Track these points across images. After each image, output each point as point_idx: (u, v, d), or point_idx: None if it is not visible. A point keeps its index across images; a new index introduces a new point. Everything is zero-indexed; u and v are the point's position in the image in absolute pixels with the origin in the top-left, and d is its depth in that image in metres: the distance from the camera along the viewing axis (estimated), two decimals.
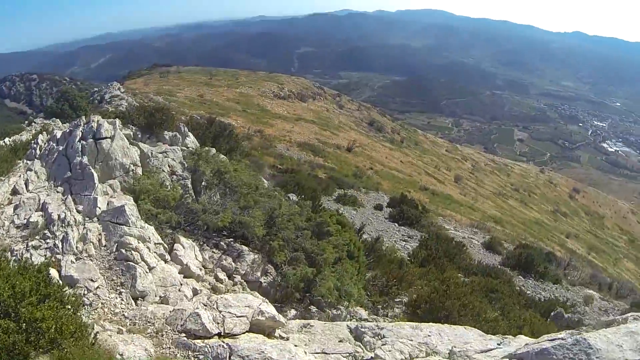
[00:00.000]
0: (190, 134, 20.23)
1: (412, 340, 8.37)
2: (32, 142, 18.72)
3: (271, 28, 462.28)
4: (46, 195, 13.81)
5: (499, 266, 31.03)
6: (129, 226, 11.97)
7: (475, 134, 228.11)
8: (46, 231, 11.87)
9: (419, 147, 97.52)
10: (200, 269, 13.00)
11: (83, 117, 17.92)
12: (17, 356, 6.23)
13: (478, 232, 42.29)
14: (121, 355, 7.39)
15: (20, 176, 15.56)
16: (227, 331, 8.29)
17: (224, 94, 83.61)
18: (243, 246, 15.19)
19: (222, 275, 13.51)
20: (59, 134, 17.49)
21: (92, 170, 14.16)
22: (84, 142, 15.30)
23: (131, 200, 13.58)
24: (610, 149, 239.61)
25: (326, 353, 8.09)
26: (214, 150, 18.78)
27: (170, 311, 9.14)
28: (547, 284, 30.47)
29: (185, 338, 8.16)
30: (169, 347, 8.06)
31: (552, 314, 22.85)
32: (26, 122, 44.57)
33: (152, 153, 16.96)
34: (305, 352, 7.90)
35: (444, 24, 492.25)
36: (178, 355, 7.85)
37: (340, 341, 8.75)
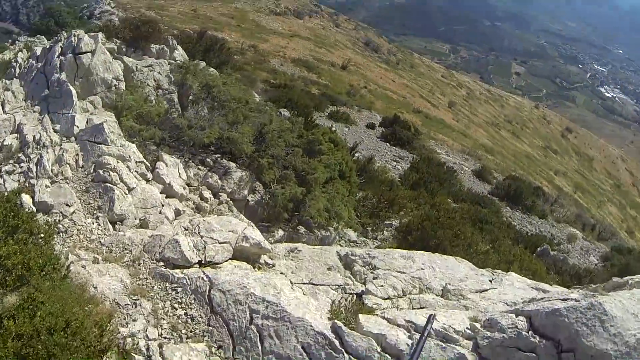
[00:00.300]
0: (179, 47, 19.26)
1: (404, 272, 7.87)
2: (12, 60, 17.63)
3: None
4: (22, 116, 13.02)
5: (488, 195, 31.02)
6: (108, 145, 11.35)
7: (472, 63, 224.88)
8: (20, 154, 11.27)
9: (415, 70, 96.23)
10: (184, 188, 12.44)
11: (64, 32, 16.92)
12: None
13: (469, 159, 42.28)
14: (95, 287, 6.94)
15: None
16: (208, 259, 7.78)
17: (218, 9, 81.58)
18: (231, 163, 14.49)
19: (207, 194, 12.94)
20: (39, 51, 16.50)
21: (71, 87, 13.35)
22: (62, 58, 14.44)
23: (112, 117, 12.93)
24: (607, 94, 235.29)
25: (314, 284, 7.57)
26: (203, 64, 17.96)
27: (149, 237, 8.60)
28: (533, 218, 30.62)
29: (163, 268, 7.65)
30: (146, 278, 7.57)
31: (538, 249, 22.69)
32: (9, 40, 43.29)
33: (136, 67, 16.04)
34: (292, 285, 7.37)
35: None
36: (155, 287, 7.37)
37: (328, 269, 8.23)
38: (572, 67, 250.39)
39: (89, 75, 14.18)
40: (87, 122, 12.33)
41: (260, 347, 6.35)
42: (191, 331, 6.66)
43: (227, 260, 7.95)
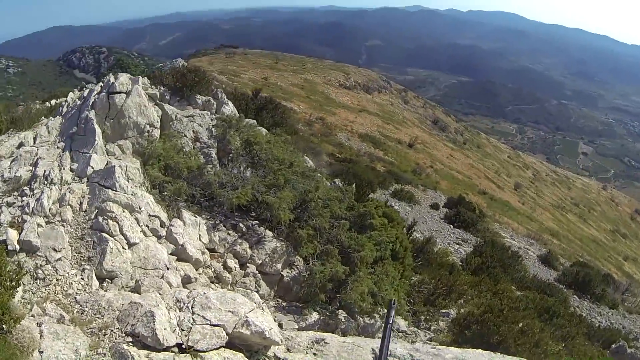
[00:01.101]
0: (229, 102, 17.98)
1: None
2: (63, 100, 16.92)
3: (341, 18, 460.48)
4: (45, 150, 11.82)
5: (555, 282, 28.53)
6: (116, 191, 9.82)
7: (539, 143, 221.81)
8: (26, 188, 10.07)
9: (481, 150, 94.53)
10: (203, 253, 10.68)
11: (112, 75, 15.99)
12: None
13: (534, 243, 40.23)
14: (41, 353, 5.60)
15: (33, 130, 13.72)
16: (190, 343, 5.95)
17: (288, 79, 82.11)
18: (267, 231, 12.62)
19: (232, 263, 11.16)
20: (86, 92, 15.40)
21: (95, 126, 12.14)
22: (97, 96, 13.34)
23: (137, 163, 11.54)
24: None
25: None
26: (251, 121, 16.56)
27: (128, 303, 6.87)
28: (603, 308, 27.84)
29: (125, 346, 5.85)
30: (104, 354, 5.93)
31: (613, 346, 19.99)
32: (78, 87, 43.89)
33: (176, 116, 14.77)
34: None
35: (515, 27, 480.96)
36: None
37: None
38: None
39: (121, 118, 12.94)
40: (106, 164, 11.01)
41: None
42: None
43: (216, 349, 6.09)
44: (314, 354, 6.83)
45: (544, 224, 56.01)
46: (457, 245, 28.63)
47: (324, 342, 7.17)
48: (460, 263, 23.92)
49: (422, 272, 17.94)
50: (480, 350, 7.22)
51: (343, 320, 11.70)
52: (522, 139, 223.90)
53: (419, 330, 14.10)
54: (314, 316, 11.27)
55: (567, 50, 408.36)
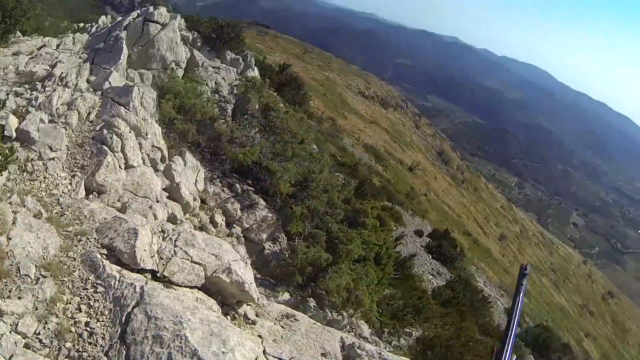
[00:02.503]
0: (255, 68, 17.76)
1: None
2: (94, 22, 16.60)
3: (378, 28, 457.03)
4: (67, 57, 11.59)
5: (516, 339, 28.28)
6: (128, 109, 9.54)
7: (534, 202, 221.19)
8: (39, 84, 9.78)
9: (477, 193, 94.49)
10: (195, 199, 10.45)
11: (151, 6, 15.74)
12: None
13: (504, 295, 40.22)
14: (9, 239, 5.32)
15: (58, 38, 13.47)
16: (166, 274, 5.64)
17: (311, 72, 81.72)
18: (261, 199, 12.37)
19: (219, 219, 10.92)
20: (120, 18, 15.32)
21: (124, 45, 11.94)
22: (132, 20, 13.13)
23: (154, 94, 11.27)
24: None
25: None
26: (273, 92, 16.33)
27: (111, 217, 6.56)
28: None
29: (98, 256, 5.54)
30: (74, 259, 5.60)
31: None
32: (109, 15, 43.63)
33: (203, 63, 14.59)
34: (264, 355, 5.06)
35: (542, 84, 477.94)
36: (76, 272, 5.38)
37: (323, 354, 5.97)
38: (631, 231, 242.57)
39: (150, 47, 12.74)
40: (124, 85, 10.68)
41: None
42: (78, 351, 4.55)
43: (191, 287, 5.78)
44: (282, 327, 6.53)
45: None
46: (432, 276, 28.50)
47: (295, 319, 6.89)
48: (431, 293, 23.82)
49: (397, 287, 17.70)
50: None
51: (312, 308, 11.39)
52: (519, 194, 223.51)
53: (380, 342, 13.81)
54: (285, 296, 10.99)
55: (587, 120, 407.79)
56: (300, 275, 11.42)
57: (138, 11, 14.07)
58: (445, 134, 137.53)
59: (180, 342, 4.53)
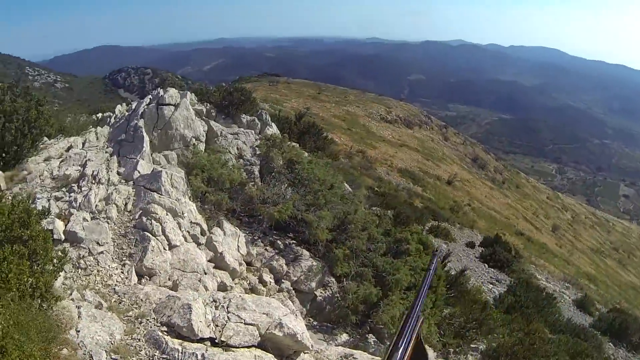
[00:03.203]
0: (272, 124, 18.26)
1: None
2: (111, 113, 17.62)
3: (383, 50, 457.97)
4: (94, 154, 12.33)
5: (589, 328, 27.47)
6: (161, 194, 10.14)
7: (579, 184, 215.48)
8: (75, 185, 10.49)
9: (520, 190, 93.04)
10: (241, 264, 10.87)
11: (160, 89, 16.50)
12: None
13: (570, 287, 38.96)
14: (77, 332, 5.84)
15: (82, 136, 14.22)
16: (223, 339, 6.08)
17: (330, 110, 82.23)
18: (304, 250, 12.79)
19: (267, 277, 11.30)
20: (135, 104, 16.10)
21: (144, 133, 12.64)
22: (146, 107, 13.92)
23: (182, 173, 11.84)
24: None
25: None
26: (294, 144, 16.80)
27: (166, 296, 7.08)
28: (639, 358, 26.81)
29: (160, 333, 6.02)
30: (139, 340, 6.13)
31: None
32: (124, 103, 44.80)
33: (221, 132, 15.15)
34: None
35: (556, 63, 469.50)
36: (143, 352, 5.89)
37: None
38: None
39: (168, 129, 13.40)
40: (152, 170, 11.38)
41: None
42: None
43: (248, 347, 6.18)
44: None
45: (581, 268, 54.74)
46: (491, 285, 28.10)
47: (353, 358, 7.21)
48: (493, 302, 23.59)
49: (455, 305, 17.77)
50: None
51: (372, 344, 11.67)
52: (562, 180, 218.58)
53: None
54: (344, 337, 11.31)
55: (610, 87, 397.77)
56: (354, 315, 11.75)
57: (150, 96, 14.84)
58: (474, 138, 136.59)
59: None
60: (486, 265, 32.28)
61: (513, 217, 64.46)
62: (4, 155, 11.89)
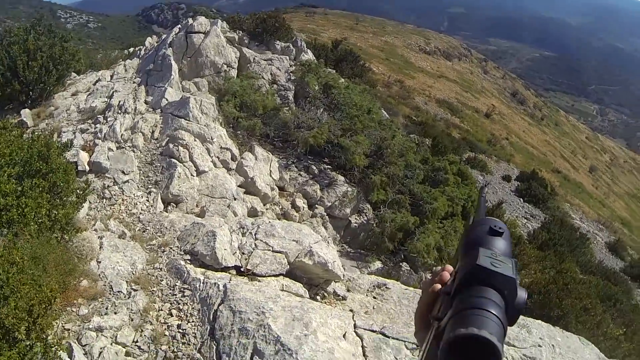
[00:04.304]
0: (308, 50, 17.77)
1: (515, 346, 5.62)
2: (141, 46, 17.41)
3: None
4: (121, 85, 12.15)
5: (620, 272, 27.23)
6: (189, 120, 9.84)
7: (620, 127, 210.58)
8: (100, 116, 10.36)
9: (559, 128, 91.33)
10: (272, 189, 10.65)
11: (190, 19, 16.16)
12: None
13: (604, 229, 38.42)
14: (98, 262, 5.78)
15: (110, 70, 14.21)
16: (249, 267, 5.80)
17: (368, 40, 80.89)
18: (339, 176, 12.51)
19: (300, 203, 11.08)
20: (164, 36, 15.84)
21: (172, 61, 12.34)
22: (174, 36, 13.62)
23: (213, 99, 11.55)
24: None
25: (386, 335, 5.28)
26: (331, 70, 16.41)
27: (190, 224, 6.82)
28: None
29: (182, 262, 5.80)
30: (160, 269, 5.97)
31: None
32: (154, 35, 44.57)
33: (254, 59, 14.74)
34: (355, 328, 5.14)
35: (607, 3, 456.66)
36: (164, 281, 5.74)
37: None
38: None
39: (198, 56, 13.06)
40: (180, 98, 11.05)
41: None
42: (174, 351, 4.86)
43: (275, 275, 5.94)
44: (374, 297, 6.61)
45: (616, 211, 53.84)
46: (525, 220, 27.94)
47: (386, 287, 6.96)
48: (527, 237, 23.32)
49: None
50: (540, 321, 6.89)
51: (405, 272, 11.47)
52: (603, 121, 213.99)
53: None
54: (377, 265, 11.09)
55: None
56: (391, 242, 11.52)
57: (179, 26, 14.66)
58: (515, 74, 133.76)
59: (264, 331, 4.74)
60: (521, 199, 32.17)
61: (550, 154, 63.50)
62: (30, 93, 11.98)
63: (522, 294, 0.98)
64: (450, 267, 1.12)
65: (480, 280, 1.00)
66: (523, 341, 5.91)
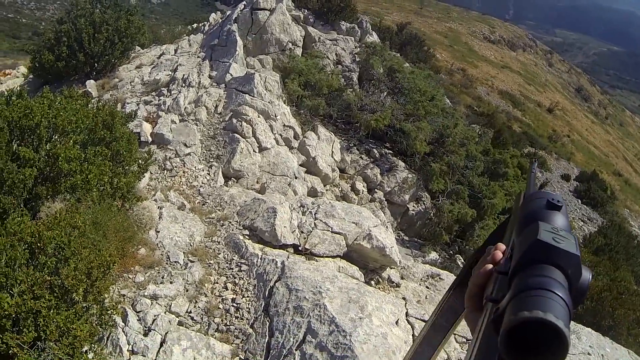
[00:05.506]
0: (373, 32, 17.71)
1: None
2: (205, 22, 17.67)
3: None
4: (186, 59, 12.32)
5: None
6: (253, 96, 9.88)
7: None
8: (164, 89, 10.52)
9: (624, 128, 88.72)
10: (333, 170, 10.68)
11: None
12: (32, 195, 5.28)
13: None
14: (157, 232, 5.90)
15: (174, 44, 14.44)
16: (307, 246, 5.78)
17: (432, 26, 79.90)
18: (399, 161, 12.43)
19: (360, 186, 11.08)
20: (229, 12, 15.85)
21: (237, 37, 12.39)
22: (240, 12, 13.70)
23: (277, 77, 11.56)
24: None
25: None
26: (395, 54, 16.25)
27: (251, 199, 6.85)
28: None
29: (241, 237, 5.81)
30: (218, 243, 6.01)
31: None
32: (218, 11, 45.01)
33: (319, 38, 14.72)
34: (406, 316, 5.07)
35: None
36: (221, 255, 5.77)
37: None
38: None
39: (263, 33, 13.13)
40: (245, 73, 11.07)
41: None
42: (226, 324, 4.92)
43: (333, 257, 5.91)
44: (427, 287, 6.55)
45: None
46: (582, 222, 27.49)
47: (439, 278, 6.91)
48: (582, 241, 22.80)
49: None
50: (589, 329, 6.72)
51: (460, 265, 11.30)
52: None
53: None
54: (433, 255, 10.96)
55: None
56: (447, 233, 11.41)
57: (244, 2, 14.58)
58: (580, 68, 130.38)
59: (319, 311, 4.70)
60: (579, 200, 31.55)
61: (613, 156, 61.73)
62: (95, 65, 12.35)
63: (586, 274, 0.87)
64: (502, 246, 1.06)
65: (541, 258, 0.93)
66: (572, 347, 5.75)
